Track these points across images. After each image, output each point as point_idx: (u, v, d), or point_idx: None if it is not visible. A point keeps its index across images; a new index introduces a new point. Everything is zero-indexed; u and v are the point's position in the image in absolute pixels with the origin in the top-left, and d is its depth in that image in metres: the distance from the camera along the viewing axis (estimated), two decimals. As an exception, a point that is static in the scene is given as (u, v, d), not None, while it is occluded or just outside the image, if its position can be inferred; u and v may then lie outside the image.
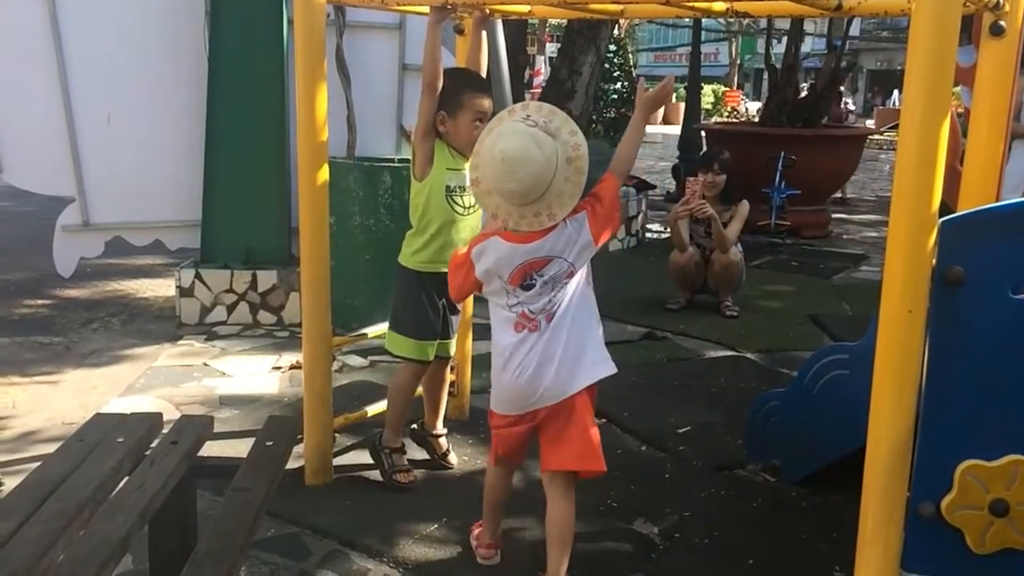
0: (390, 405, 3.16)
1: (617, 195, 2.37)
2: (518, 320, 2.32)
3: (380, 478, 3.10)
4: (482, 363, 4.17)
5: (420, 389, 3.24)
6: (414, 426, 3.33)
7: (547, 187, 2.22)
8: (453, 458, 3.28)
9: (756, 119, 13.40)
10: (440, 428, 3.29)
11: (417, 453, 3.29)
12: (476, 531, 2.70)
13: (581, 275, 2.35)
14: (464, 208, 3.00)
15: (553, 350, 2.29)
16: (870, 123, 24.61)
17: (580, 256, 2.32)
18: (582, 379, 2.33)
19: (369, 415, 3.35)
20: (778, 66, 9.37)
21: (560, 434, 2.36)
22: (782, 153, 7.48)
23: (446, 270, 2.88)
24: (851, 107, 25.89)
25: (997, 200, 2.31)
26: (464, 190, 2.98)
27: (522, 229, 2.28)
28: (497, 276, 2.33)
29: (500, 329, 2.37)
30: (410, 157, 3.02)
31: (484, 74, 3.15)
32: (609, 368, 2.37)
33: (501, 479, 2.60)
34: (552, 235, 2.28)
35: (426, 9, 2.95)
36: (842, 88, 14.35)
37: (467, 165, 2.97)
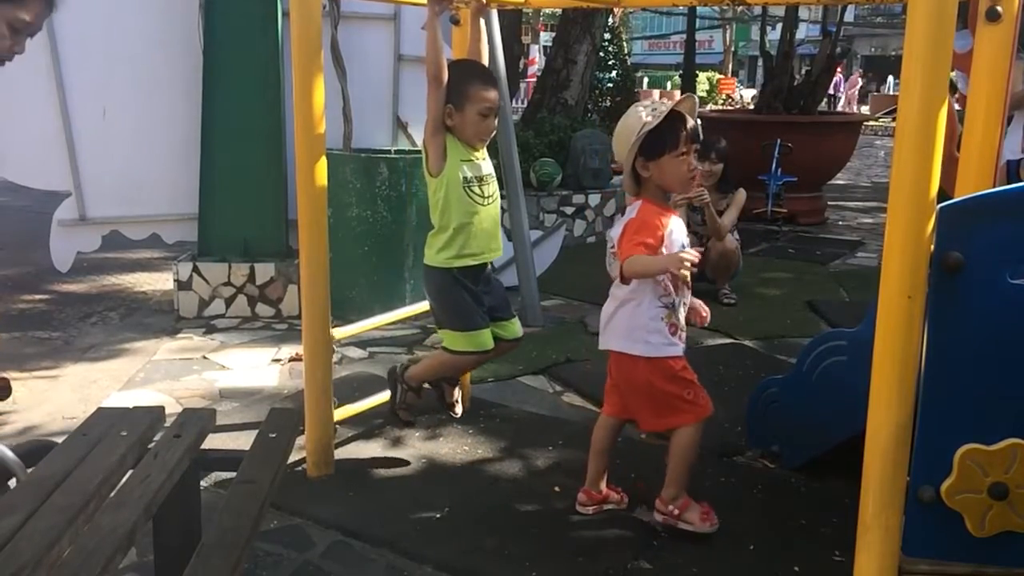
0: (435, 366, 3.13)
1: (636, 229, 2.57)
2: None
3: (381, 453, 3.09)
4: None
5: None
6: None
7: (624, 153, 2.60)
8: (459, 409, 3.27)
9: (751, 106, 13.38)
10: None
11: (430, 445, 3.31)
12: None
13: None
14: (484, 198, 2.95)
15: (609, 306, 2.72)
16: (865, 109, 24.60)
17: (616, 242, 2.63)
18: (602, 340, 2.73)
19: (370, 407, 3.36)
20: (773, 53, 9.36)
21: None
22: (778, 140, 7.48)
23: (474, 263, 3.00)
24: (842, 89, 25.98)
25: (995, 185, 2.31)
26: (482, 180, 2.94)
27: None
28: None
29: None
30: (422, 154, 2.97)
31: (486, 64, 3.12)
32: (622, 346, 2.68)
33: (604, 427, 2.83)
34: (619, 218, 2.69)
35: (422, -1, 2.95)
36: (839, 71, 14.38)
37: (479, 155, 2.97)
